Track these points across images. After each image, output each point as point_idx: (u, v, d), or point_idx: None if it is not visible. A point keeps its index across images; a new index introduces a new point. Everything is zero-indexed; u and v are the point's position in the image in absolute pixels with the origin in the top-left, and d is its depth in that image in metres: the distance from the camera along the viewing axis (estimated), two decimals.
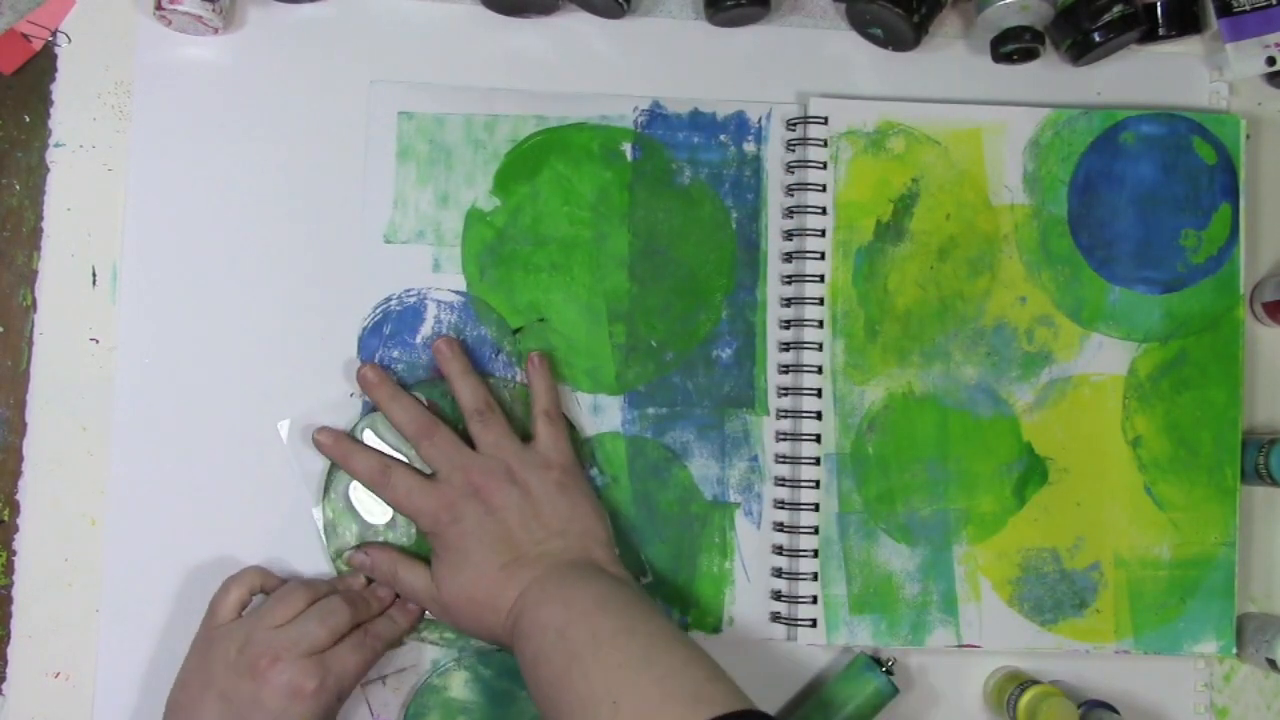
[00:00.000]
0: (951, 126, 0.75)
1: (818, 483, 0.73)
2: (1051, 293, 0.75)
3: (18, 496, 0.70)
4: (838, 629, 0.73)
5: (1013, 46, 0.74)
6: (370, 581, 0.70)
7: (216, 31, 0.71)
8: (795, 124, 0.75)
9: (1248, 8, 0.76)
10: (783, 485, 0.74)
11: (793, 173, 0.75)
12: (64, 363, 0.71)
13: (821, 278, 0.74)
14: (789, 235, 0.75)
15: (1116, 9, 0.73)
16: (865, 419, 0.74)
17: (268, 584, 0.69)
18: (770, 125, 0.76)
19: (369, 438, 0.72)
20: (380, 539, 0.72)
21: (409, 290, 0.73)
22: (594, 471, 0.73)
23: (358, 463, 0.70)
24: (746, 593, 0.74)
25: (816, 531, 0.73)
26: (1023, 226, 0.75)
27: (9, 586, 0.70)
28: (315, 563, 0.72)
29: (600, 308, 0.74)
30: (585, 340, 0.74)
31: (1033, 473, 0.75)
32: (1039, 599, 0.74)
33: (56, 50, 0.72)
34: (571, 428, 0.73)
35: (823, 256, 0.74)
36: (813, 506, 0.73)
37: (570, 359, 0.74)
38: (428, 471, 0.70)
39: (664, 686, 0.57)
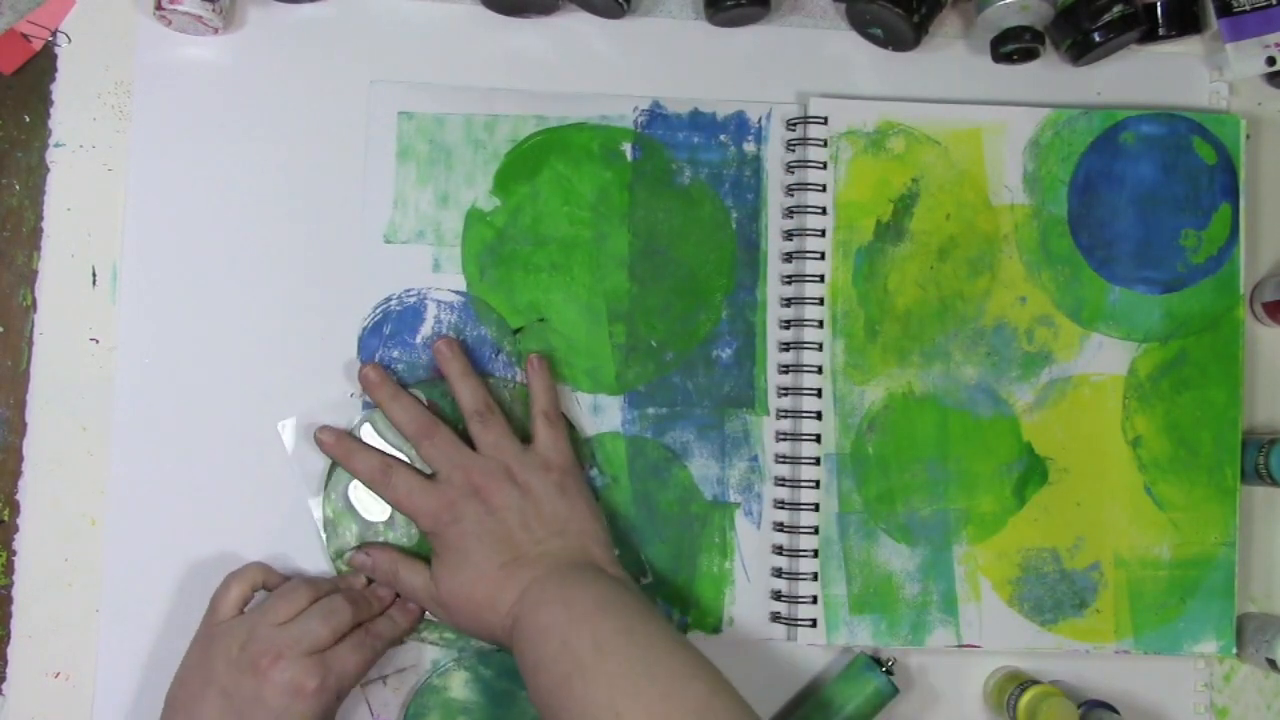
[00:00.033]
0: (951, 126, 0.75)
1: (818, 483, 0.73)
2: (1051, 293, 0.75)
3: (18, 496, 0.70)
4: (838, 629, 0.73)
5: (1013, 46, 0.74)
6: (370, 581, 0.70)
7: (216, 31, 0.71)
8: (795, 124, 0.75)
9: (1248, 8, 0.76)
10: (783, 485, 0.74)
11: (793, 173, 0.75)
12: (64, 363, 0.71)
13: (821, 278, 0.74)
14: (789, 235, 0.75)
15: (1116, 9, 0.73)
16: (865, 419, 0.74)
17: (269, 580, 0.69)
18: (770, 125, 0.76)
19: (367, 432, 0.72)
20: (380, 538, 0.72)
21: (409, 290, 0.73)
22: (594, 472, 0.73)
23: (359, 462, 0.70)
24: (746, 593, 0.74)
25: (816, 531, 0.73)
26: (1023, 226, 0.75)
27: (9, 586, 0.70)
28: (315, 562, 0.72)
29: (600, 308, 0.74)
30: (585, 340, 0.74)
31: (1033, 473, 0.75)
32: (1039, 599, 0.74)
33: (56, 50, 0.72)
34: (571, 427, 0.73)
35: (823, 256, 0.74)
36: (813, 506, 0.73)
37: (570, 359, 0.74)
38: (428, 471, 0.70)
39: (669, 703, 0.58)
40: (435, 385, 0.72)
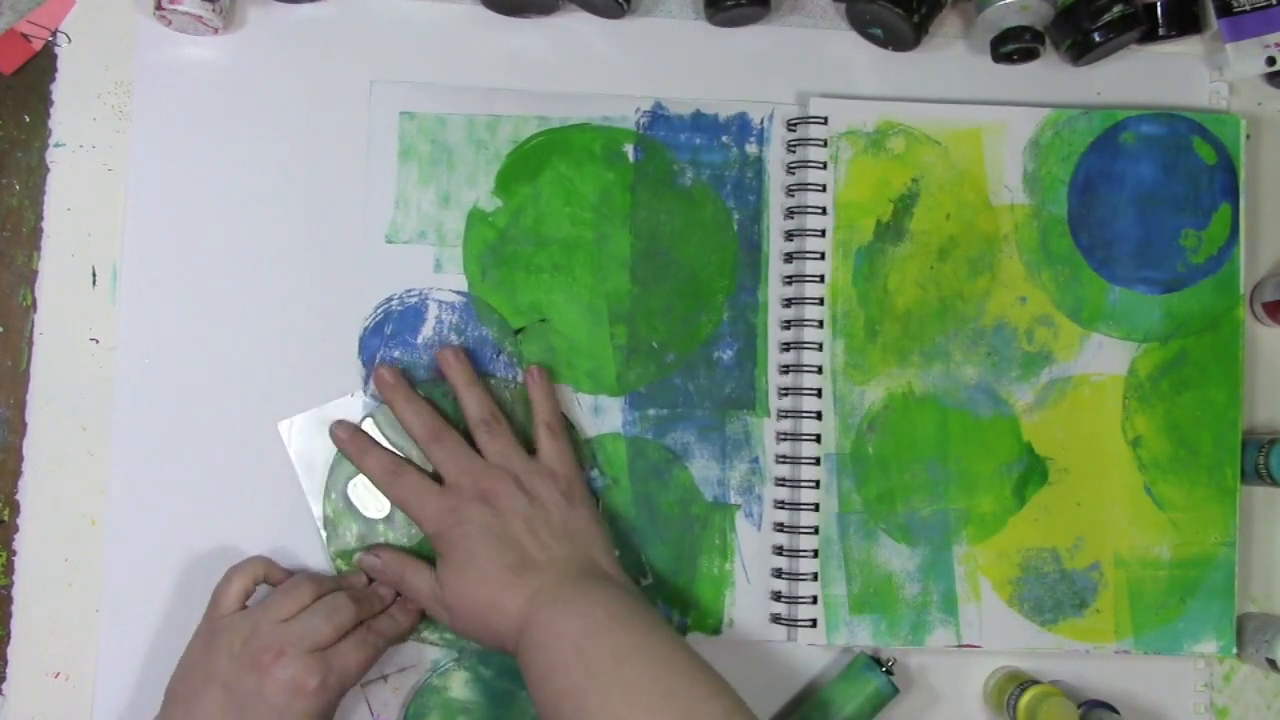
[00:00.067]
0: (951, 126, 0.75)
1: (818, 483, 0.73)
2: (1051, 293, 0.75)
3: (18, 496, 0.70)
4: (838, 629, 0.73)
5: (1013, 46, 0.74)
6: (372, 580, 0.70)
7: (216, 31, 0.71)
8: (795, 124, 0.75)
9: (1248, 8, 0.76)
10: (783, 485, 0.74)
11: (793, 173, 0.75)
12: (64, 363, 0.71)
13: (821, 278, 0.74)
14: (789, 235, 0.75)
15: (1116, 9, 0.73)
16: (865, 419, 0.74)
17: (271, 574, 0.69)
18: (772, 127, 0.75)
19: (369, 426, 0.72)
20: (380, 536, 0.72)
21: (410, 290, 0.73)
22: (595, 473, 0.73)
23: (371, 460, 0.70)
24: (746, 594, 0.74)
25: (816, 532, 0.73)
26: (1023, 226, 0.76)
27: (9, 586, 0.70)
28: (315, 562, 0.72)
29: (602, 309, 0.74)
30: (587, 341, 0.74)
31: (1033, 473, 0.75)
32: (1039, 599, 0.74)
33: (56, 50, 0.72)
34: (571, 428, 0.73)
35: (823, 256, 0.74)
36: (813, 507, 0.73)
37: (571, 360, 0.73)
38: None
39: None
40: (436, 385, 0.72)
